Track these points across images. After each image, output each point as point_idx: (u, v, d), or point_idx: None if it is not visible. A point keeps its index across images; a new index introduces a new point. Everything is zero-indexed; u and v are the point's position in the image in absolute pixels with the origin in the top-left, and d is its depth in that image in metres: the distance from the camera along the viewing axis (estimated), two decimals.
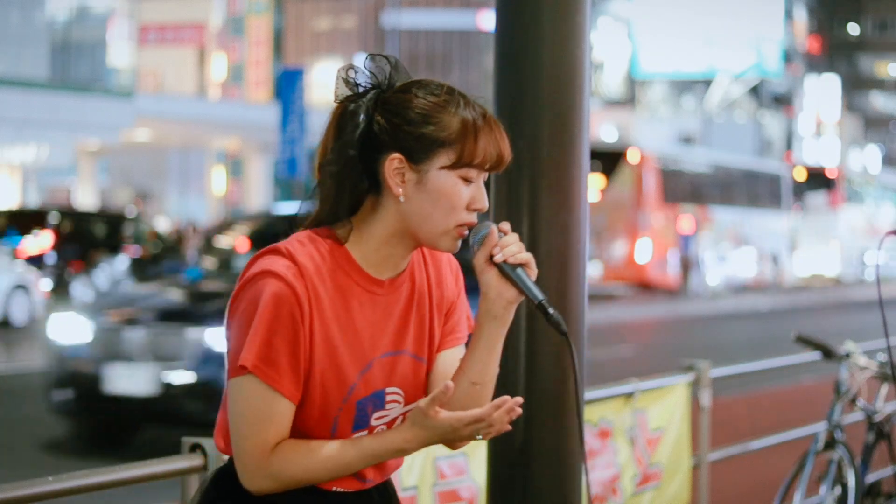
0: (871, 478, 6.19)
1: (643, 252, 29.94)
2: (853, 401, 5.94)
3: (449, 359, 2.38)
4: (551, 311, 2.22)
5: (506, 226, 2.28)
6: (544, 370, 2.98)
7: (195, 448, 3.27)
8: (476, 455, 4.26)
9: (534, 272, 2.26)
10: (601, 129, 51.12)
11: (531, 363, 2.99)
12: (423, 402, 2.21)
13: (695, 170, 33.38)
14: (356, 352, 2.28)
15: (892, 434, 6.17)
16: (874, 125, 78.51)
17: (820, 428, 5.91)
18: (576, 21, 2.98)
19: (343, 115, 2.30)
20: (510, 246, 2.24)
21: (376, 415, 2.32)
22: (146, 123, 36.61)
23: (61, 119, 32.43)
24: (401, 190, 2.26)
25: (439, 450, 4.19)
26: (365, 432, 2.31)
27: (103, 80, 48.68)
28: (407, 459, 4.05)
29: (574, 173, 3.00)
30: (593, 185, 28.28)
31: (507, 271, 2.24)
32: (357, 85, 2.31)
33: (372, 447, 2.25)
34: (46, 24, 43.33)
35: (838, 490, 5.77)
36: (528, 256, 2.25)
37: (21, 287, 18.88)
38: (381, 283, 2.31)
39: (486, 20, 58.51)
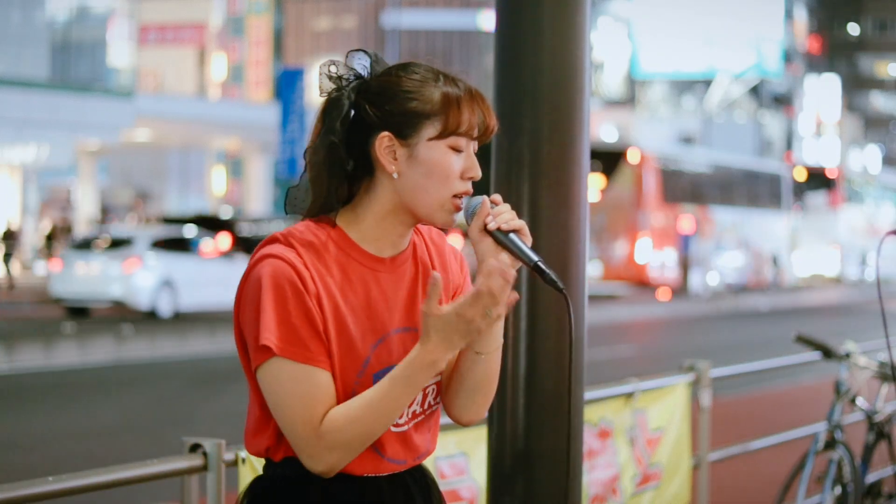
0: (871, 478, 6.19)
1: (643, 252, 29.94)
2: (853, 401, 5.94)
3: None
4: (548, 271, 2.24)
5: (498, 197, 2.31)
6: (544, 370, 2.98)
7: (195, 448, 3.27)
8: (476, 455, 4.26)
9: (528, 238, 2.29)
10: (601, 129, 51.13)
11: (531, 363, 2.99)
12: (423, 305, 2.22)
13: (695, 170, 33.40)
14: (367, 326, 2.31)
15: (892, 434, 6.17)
16: (874, 125, 78.52)
17: (820, 428, 5.91)
18: (576, 21, 2.98)
19: (327, 106, 2.36)
20: (503, 214, 2.27)
21: None
22: (146, 123, 36.61)
23: (61, 119, 32.43)
24: (394, 167, 2.30)
25: (439, 450, 4.19)
26: None
27: (103, 80, 48.69)
28: None
29: (574, 173, 3.00)
30: (593, 185, 28.28)
31: (500, 238, 2.26)
32: (340, 78, 2.37)
33: (401, 370, 2.24)
34: (46, 24, 43.32)
35: (838, 490, 5.77)
36: (521, 223, 2.28)
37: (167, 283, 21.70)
38: (382, 260, 2.35)
39: (486, 20, 58.53)
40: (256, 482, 2.40)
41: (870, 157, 73.03)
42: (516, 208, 2.98)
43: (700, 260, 31.38)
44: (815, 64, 71.05)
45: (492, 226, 2.26)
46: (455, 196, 2.30)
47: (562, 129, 2.96)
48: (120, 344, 16.59)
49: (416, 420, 2.38)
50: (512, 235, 2.26)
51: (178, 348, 16.72)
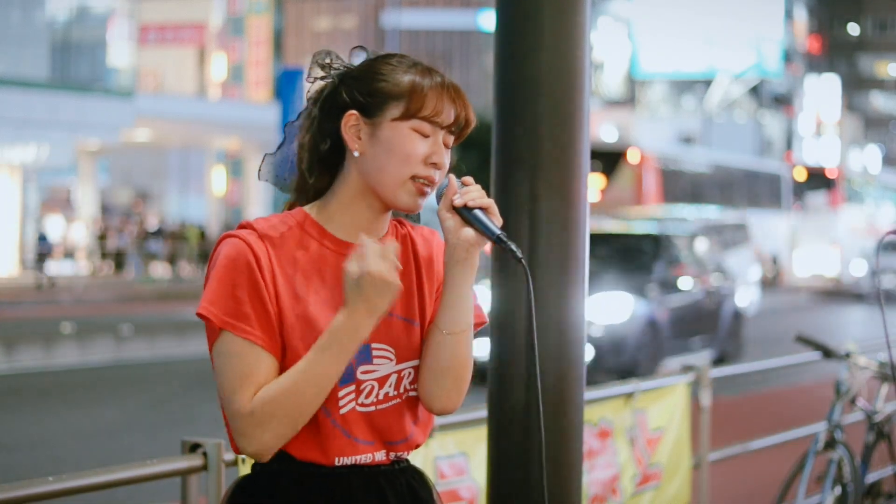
0: (871, 478, 6.19)
1: None
2: (853, 401, 5.94)
3: None
4: (508, 242, 2.26)
5: (469, 179, 2.33)
6: (544, 369, 2.97)
7: (195, 448, 3.27)
8: (476, 455, 4.26)
9: (497, 217, 2.29)
10: (601, 129, 51.11)
11: (530, 364, 2.99)
12: (344, 264, 2.23)
13: (695, 170, 33.39)
14: (330, 307, 2.30)
15: (892, 434, 6.17)
16: (874, 125, 78.51)
17: (820, 428, 5.91)
18: (576, 21, 2.98)
19: (311, 89, 2.42)
20: (470, 192, 2.29)
21: (362, 368, 2.33)
22: (146, 123, 36.60)
23: (61, 119, 32.42)
24: (357, 145, 2.34)
25: (439, 450, 4.19)
26: (352, 387, 2.32)
27: (103, 80, 48.67)
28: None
29: (574, 173, 2.99)
30: (593, 184, 28.27)
31: (465, 214, 2.28)
32: (329, 66, 2.41)
33: (327, 337, 2.24)
34: (46, 24, 43.31)
35: (838, 490, 5.77)
36: (489, 201, 2.29)
37: None
38: (352, 245, 2.34)
39: (486, 20, 58.52)
40: (239, 479, 2.42)
41: (870, 157, 73.01)
42: (516, 208, 2.98)
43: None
44: (815, 64, 71.03)
45: (458, 202, 2.28)
46: (416, 179, 2.31)
47: (562, 129, 2.96)
48: (120, 344, 16.59)
49: (389, 403, 2.36)
50: (476, 211, 2.27)
51: (178, 348, 16.72)
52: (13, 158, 32.81)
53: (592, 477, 4.95)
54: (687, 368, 5.84)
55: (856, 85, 76.83)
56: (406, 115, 2.32)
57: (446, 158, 2.35)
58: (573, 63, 2.97)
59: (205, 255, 33.23)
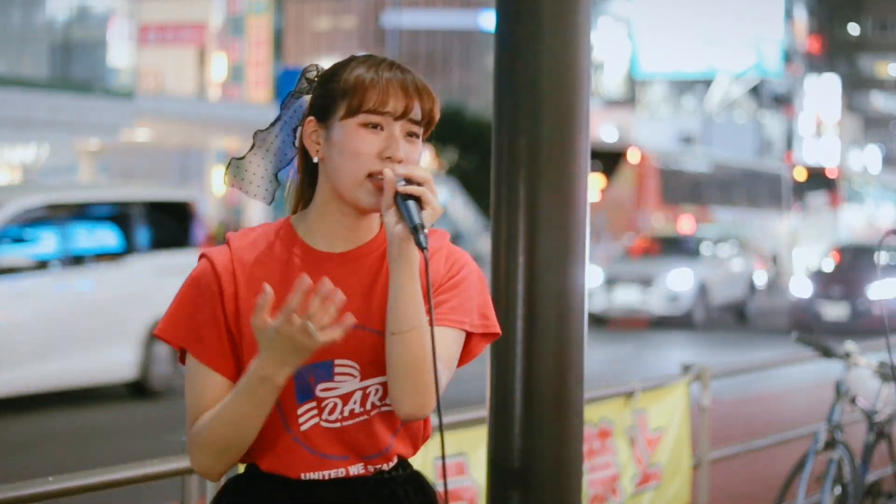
0: (871, 478, 6.19)
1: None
2: (853, 401, 5.94)
3: None
4: (421, 234, 2.19)
5: (405, 169, 2.26)
6: (543, 370, 2.97)
7: None
8: (476, 455, 4.26)
9: (434, 208, 2.22)
10: (601, 129, 51.11)
11: (530, 364, 2.99)
12: (252, 318, 2.17)
13: (695, 170, 33.38)
14: None
15: (892, 434, 6.18)
16: (874, 125, 78.49)
17: (820, 428, 5.92)
18: (576, 21, 2.98)
19: (289, 106, 2.42)
20: (396, 181, 2.23)
21: (321, 386, 2.30)
22: (146, 123, 36.60)
23: (61, 119, 32.42)
24: (315, 150, 2.32)
25: (439, 449, 4.19)
26: (313, 404, 2.30)
27: (103, 80, 48.66)
28: None
29: (574, 173, 2.99)
30: (593, 185, 28.26)
31: (399, 206, 2.23)
32: (312, 80, 2.40)
33: (242, 383, 2.23)
34: (46, 24, 43.31)
35: (838, 490, 5.77)
36: (421, 190, 2.23)
37: None
38: (329, 256, 2.33)
39: (486, 20, 58.50)
40: (227, 480, 2.42)
41: (870, 157, 72.99)
42: (516, 208, 2.97)
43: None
44: (815, 64, 71.01)
45: (387, 192, 2.23)
46: (373, 176, 2.27)
47: (562, 129, 2.96)
48: None
49: (355, 419, 2.32)
50: (409, 202, 2.21)
51: None
52: (13, 158, 32.80)
53: (592, 477, 4.96)
54: (687, 368, 5.84)
55: (856, 85, 76.81)
56: (350, 112, 2.28)
57: (410, 151, 2.30)
58: (573, 63, 2.97)
59: None
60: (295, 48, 61.26)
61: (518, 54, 2.98)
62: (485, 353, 3.05)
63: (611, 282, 22.38)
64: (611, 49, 60.82)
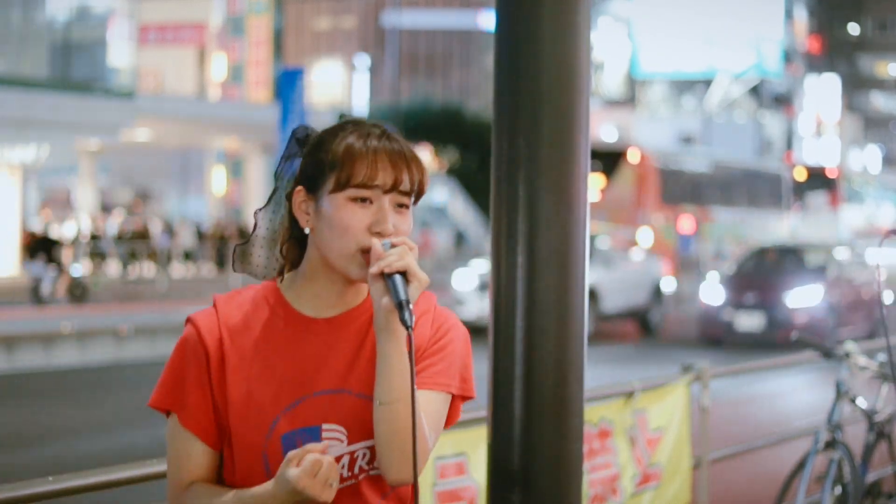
0: (871, 478, 6.20)
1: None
2: (853, 401, 5.94)
3: None
4: (406, 309, 2.19)
5: (397, 240, 2.25)
6: (544, 370, 2.98)
7: None
8: (476, 455, 4.26)
9: (420, 280, 2.22)
10: (601, 129, 51.13)
11: (530, 364, 2.99)
12: (290, 456, 2.20)
13: (695, 170, 33.40)
14: (281, 389, 2.28)
15: (892, 434, 6.18)
16: (874, 125, 78.52)
17: (820, 428, 5.92)
18: (576, 21, 2.98)
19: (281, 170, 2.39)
20: (390, 257, 2.21)
21: None
22: (146, 123, 36.61)
23: (61, 119, 32.42)
24: (305, 220, 2.31)
25: (439, 449, 4.19)
26: None
27: (103, 80, 48.67)
28: None
29: (574, 173, 2.99)
30: (593, 185, 28.27)
31: (386, 279, 2.21)
32: (303, 141, 2.38)
33: (243, 497, 2.25)
34: (46, 24, 43.34)
35: (838, 490, 5.78)
36: (404, 264, 2.21)
37: None
38: (315, 321, 2.32)
39: (486, 20, 58.52)
40: None
41: (870, 157, 73.02)
42: (515, 209, 2.97)
43: (699, 259, 31.38)
44: (815, 64, 71.04)
45: (374, 270, 2.20)
46: (363, 251, 2.25)
47: (562, 129, 2.96)
48: (120, 344, 16.59)
49: (346, 483, 2.30)
50: (395, 277, 2.20)
51: None
52: (13, 158, 32.82)
53: (592, 477, 4.96)
54: (687, 368, 5.85)
55: (856, 85, 76.84)
56: (339, 186, 2.26)
57: (400, 222, 2.29)
58: (573, 63, 2.97)
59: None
60: (295, 48, 61.25)
61: (518, 54, 2.98)
62: (485, 353, 3.06)
63: (485, 287, 19.15)
64: (611, 49, 60.85)
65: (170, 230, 35.22)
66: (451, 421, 2.43)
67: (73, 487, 3.11)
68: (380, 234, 2.25)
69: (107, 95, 35.91)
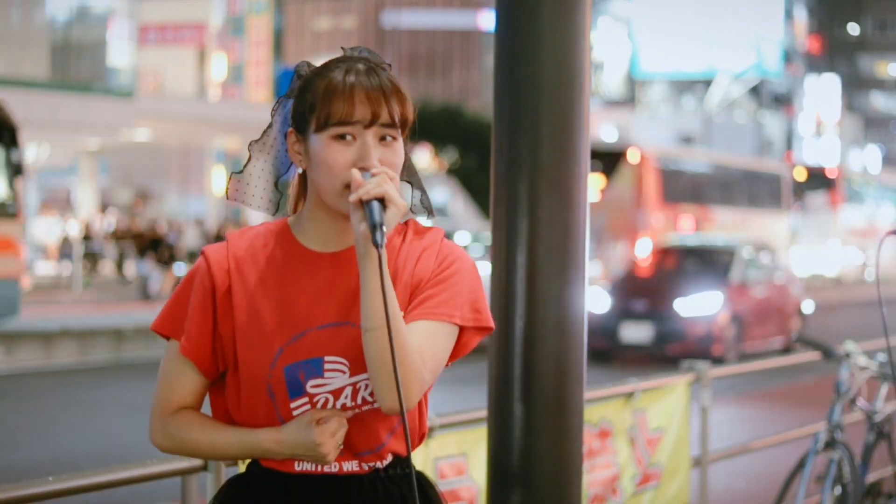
0: (871, 478, 6.19)
1: (643, 252, 29.94)
2: (853, 401, 5.94)
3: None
4: (379, 232, 2.21)
5: (376, 171, 2.27)
6: (544, 370, 2.98)
7: None
8: (476, 455, 4.26)
9: (397, 205, 2.24)
10: (601, 129, 51.12)
11: (529, 364, 2.99)
12: (314, 413, 2.30)
13: (695, 170, 33.39)
14: (286, 321, 2.33)
15: (892, 434, 6.18)
16: (874, 125, 78.52)
17: (820, 428, 5.92)
18: (576, 21, 2.98)
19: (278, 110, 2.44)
20: (368, 185, 2.24)
21: (312, 382, 2.33)
22: (146, 123, 36.59)
23: (61, 119, 32.40)
24: (298, 160, 2.37)
25: (439, 449, 4.19)
26: (305, 400, 2.33)
27: (103, 80, 48.67)
28: None
29: (574, 173, 2.99)
30: (593, 185, 28.26)
31: (365, 207, 2.24)
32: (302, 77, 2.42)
33: (244, 439, 2.34)
34: (46, 24, 43.32)
35: (838, 490, 5.77)
36: (382, 191, 2.24)
37: None
38: (322, 255, 2.37)
39: (486, 20, 58.52)
40: (230, 478, 2.50)
41: (870, 157, 73.03)
42: (516, 209, 2.97)
43: None
44: (815, 64, 71.05)
45: (353, 198, 2.24)
46: (349, 186, 2.28)
47: (562, 129, 2.96)
48: (120, 344, 16.59)
49: (346, 413, 2.34)
50: (373, 203, 2.22)
51: None
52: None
53: (592, 477, 4.96)
54: (687, 368, 5.85)
55: (856, 85, 76.84)
56: (320, 126, 2.31)
57: (388, 154, 2.31)
58: (573, 63, 2.97)
59: None
60: (295, 48, 61.27)
61: (518, 54, 2.98)
62: (485, 353, 3.05)
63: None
64: (611, 49, 60.86)
65: (178, 230, 35.24)
66: (462, 352, 2.42)
67: (73, 487, 3.11)
68: (364, 169, 2.28)
69: (107, 95, 35.90)
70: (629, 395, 5.25)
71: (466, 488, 4.26)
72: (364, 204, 2.23)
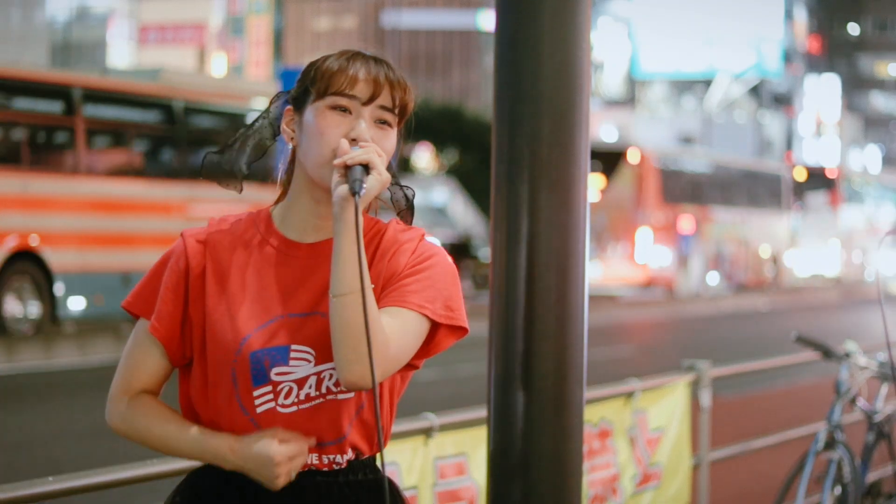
0: (871, 478, 6.20)
1: (643, 252, 29.95)
2: (853, 401, 5.94)
3: None
4: (355, 182, 2.23)
5: (364, 144, 2.30)
6: (544, 370, 2.98)
7: None
8: (476, 455, 4.26)
9: (380, 173, 2.26)
10: (601, 129, 51.14)
11: (529, 363, 2.99)
12: (279, 431, 2.29)
13: (695, 170, 33.40)
14: (257, 307, 2.34)
15: (892, 434, 6.18)
16: (874, 125, 78.53)
17: (820, 428, 5.92)
18: (576, 21, 2.98)
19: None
20: (353, 151, 2.27)
21: (276, 370, 2.32)
22: None
23: None
24: (291, 136, 2.39)
25: (439, 449, 4.19)
26: (268, 388, 2.32)
27: None
28: (406, 459, 4.07)
29: (574, 173, 2.99)
30: (593, 185, 28.28)
31: (347, 173, 2.26)
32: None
33: (200, 441, 2.34)
34: (47, 24, 43.34)
35: (838, 490, 5.78)
36: (367, 157, 2.25)
37: None
38: (298, 245, 2.38)
39: (486, 20, 58.54)
40: (189, 473, 2.49)
41: (870, 157, 73.04)
42: (516, 208, 2.97)
43: (699, 259, 31.39)
44: (815, 64, 71.06)
45: (336, 162, 2.26)
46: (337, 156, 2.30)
47: (562, 129, 2.96)
48: (120, 344, 16.60)
49: (311, 403, 2.34)
50: (355, 168, 2.24)
51: None
52: None
53: (592, 477, 4.96)
54: (687, 368, 5.85)
55: (856, 85, 76.85)
56: (319, 94, 2.33)
57: (380, 137, 2.33)
58: (573, 63, 2.97)
59: None
60: (295, 48, 61.28)
61: (518, 54, 2.98)
62: (485, 353, 3.06)
63: None
64: (611, 49, 60.87)
65: None
66: (433, 351, 2.42)
67: (73, 487, 3.11)
68: (355, 142, 2.30)
69: None
70: (629, 395, 5.26)
71: (466, 488, 4.26)
72: (348, 169, 2.25)
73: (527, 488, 3.00)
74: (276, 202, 2.47)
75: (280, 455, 2.26)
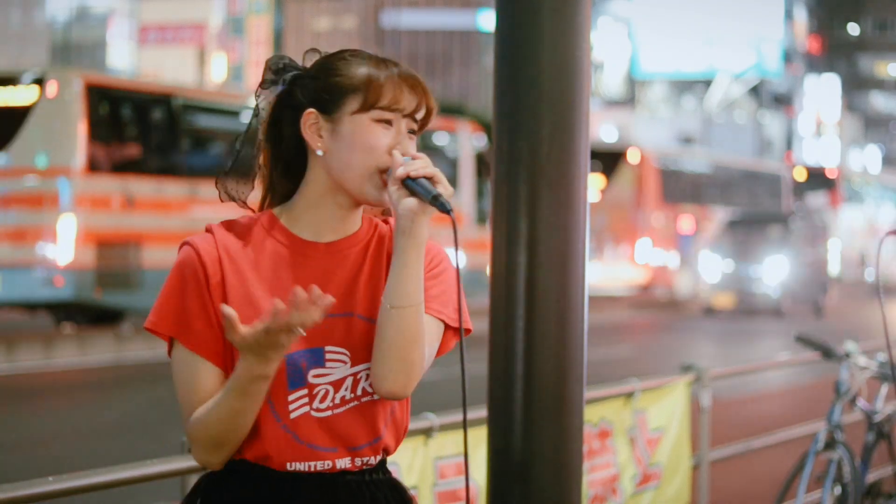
0: (871, 478, 6.20)
1: (643, 252, 29.96)
2: (853, 401, 5.94)
3: None
4: (443, 200, 2.24)
5: (418, 154, 2.30)
6: (544, 370, 2.98)
7: None
8: (476, 455, 4.26)
9: (444, 187, 2.26)
10: (601, 129, 51.13)
11: (530, 363, 2.99)
12: (227, 334, 2.17)
13: (695, 170, 33.40)
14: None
15: (892, 434, 6.18)
16: (874, 125, 78.51)
17: (820, 428, 5.92)
18: (576, 21, 2.98)
19: (260, 94, 2.39)
20: (413, 163, 2.26)
21: (313, 372, 2.30)
22: None
23: None
24: (319, 143, 2.32)
25: (439, 450, 4.19)
26: (304, 391, 2.30)
27: None
28: (406, 459, 4.07)
29: (574, 173, 2.99)
30: (593, 185, 28.28)
31: (409, 185, 2.26)
32: (282, 70, 2.39)
33: (232, 382, 2.23)
34: (46, 24, 43.34)
35: (838, 490, 5.78)
36: (433, 171, 2.26)
37: None
38: (315, 245, 2.35)
39: (486, 20, 58.53)
40: (205, 474, 2.41)
41: (870, 157, 73.02)
42: (516, 208, 2.98)
43: (699, 260, 31.40)
44: (815, 64, 71.05)
45: (400, 172, 2.25)
46: (382, 171, 2.29)
47: (562, 129, 2.96)
48: (120, 344, 16.60)
49: (346, 406, 2.33)
50: (421, 180, 2.25)
51: None
52: None
53: (592, 477, 4.96)
54: (687, 368, 5.85)
55: (856, 85, 76.84)
56: (365, 107, 2.30)
57: (412, 147, 2.33)
58: (573, 63, 2.97)
59: None
60: (295, 48, 61.25)
61: (518, 54, 2.98)
62: (485, 353, 3.06)
63: None
64: (611, 49, 60.85)
65: None
66: (442, 352, 2.44)
67: (73, 487, 3.11)
68: (404, 154, 2.30)
69: None
70: (629, 396, 5.26)
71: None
72: (411, 183, 2.24)
73: (527, 488, 3.00)
74: (268, 202, 2.41)
75: (270, 320, 2.14)
